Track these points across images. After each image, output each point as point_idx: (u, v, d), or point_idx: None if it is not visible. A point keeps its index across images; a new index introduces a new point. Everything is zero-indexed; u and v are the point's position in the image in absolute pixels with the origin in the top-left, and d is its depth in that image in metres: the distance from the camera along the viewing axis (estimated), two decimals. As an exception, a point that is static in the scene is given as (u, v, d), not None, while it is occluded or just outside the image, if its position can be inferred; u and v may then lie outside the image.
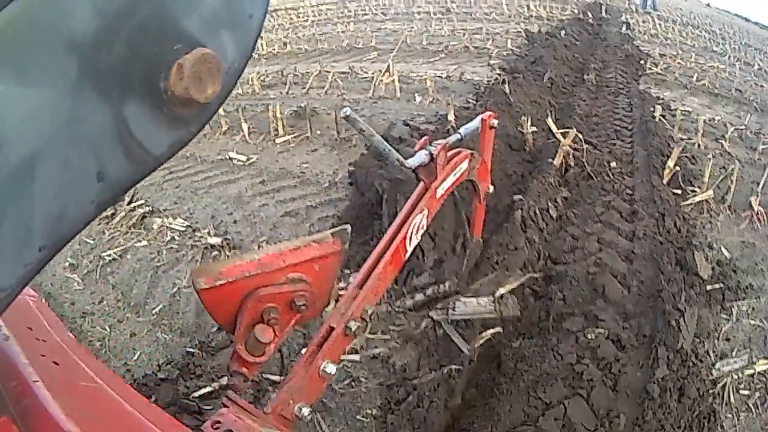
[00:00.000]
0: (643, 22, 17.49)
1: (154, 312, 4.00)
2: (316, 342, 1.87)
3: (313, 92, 8.67)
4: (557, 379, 2.72)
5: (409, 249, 2.31)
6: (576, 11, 16.40)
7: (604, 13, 16.82)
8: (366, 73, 9.74)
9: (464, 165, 2.80)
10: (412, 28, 14.59)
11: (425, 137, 2.59)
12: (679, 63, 11.72)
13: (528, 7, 17.35)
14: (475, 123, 3.05)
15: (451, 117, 5.74)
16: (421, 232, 2.40)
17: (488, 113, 3.09)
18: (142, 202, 5.53)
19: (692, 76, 10.46)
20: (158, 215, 5.27)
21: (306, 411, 1.70)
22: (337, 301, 2.02)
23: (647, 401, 2.66)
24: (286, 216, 4.96)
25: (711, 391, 2.99)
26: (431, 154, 2.46)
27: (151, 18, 0.66)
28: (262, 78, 10.14)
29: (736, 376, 3.14)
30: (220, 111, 7.68)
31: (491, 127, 3.07)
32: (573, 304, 3.28)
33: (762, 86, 11.54)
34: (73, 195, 0.66)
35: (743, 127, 7.78)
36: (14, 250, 0.63)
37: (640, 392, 2.73)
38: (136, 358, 3.62)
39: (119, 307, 4.22)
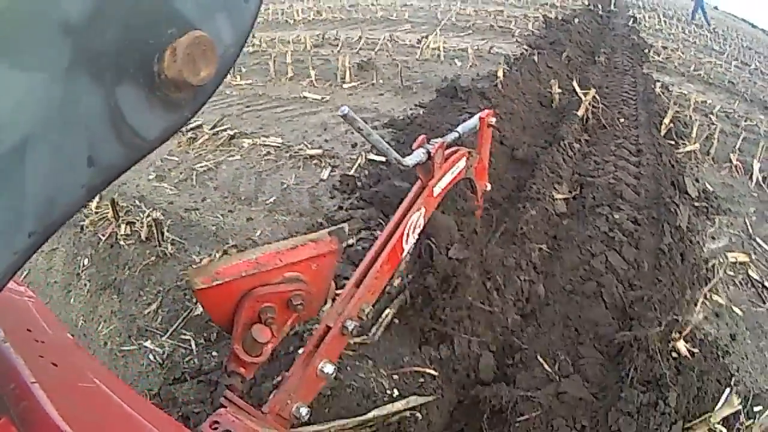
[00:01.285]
0: (649, 17, 18.51)
1: (267, 202, 4.74)
2: (313, 342, 1.86)
3: (363, 53, 9.59)
4: (598, 240, 3.88)
5: (406, 248, 2.29)
6: (587, 2, 17.33)
7: (612, 6, 18.02)
8: (405, 41, 10.85)
9: (462, 163, 2.77)
10: (438, 5, 15.66)
11: (422, 136, 2.53)
12: (679, 55, 12.77)
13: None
14: (474, 121, 2.99)
15: (500, 74, 6.76)
16: (418, 230, 2.37)
17: (486, 111, 3.04)
18: (227, 126, 6.34)
19: (690, 67, 11.54)
20: (246, 137, 6.07)
21: (304, 411, 1.70)
22: (333, 300, 2.01)
23: (660, 255, 3.83)
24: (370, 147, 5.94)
25: (705, 266, 4.14)
26: (429, 153, 2.41)
27: (145, 1, 0.65)
28: (312, 39, 11.15)
29: (722, 260, 4.22)
30: (287, 59, 8.85)
31: (489, 126, 3.00)
32: (600, 201, 4.54)
33: (755, 83, 12.60)
34: (64, 179, 0.64)
35: (731, 110, 9.07)
36: (4, 236, 0.61)
37: (654, 250, 3.88)
38: (258, 235, 4.33)
39: (227, 201, 4.92)
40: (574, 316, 3.17)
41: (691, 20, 21.55)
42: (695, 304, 3.24)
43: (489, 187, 3.23)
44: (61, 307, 4.13)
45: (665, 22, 18.29)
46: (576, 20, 13.06)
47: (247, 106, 7.22)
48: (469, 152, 2.84)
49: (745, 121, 8.14)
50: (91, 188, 0.67)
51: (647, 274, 3.65)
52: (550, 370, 2.80)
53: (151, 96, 0.68)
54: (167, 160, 5.73)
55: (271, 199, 4.78)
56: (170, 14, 0.67)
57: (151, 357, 3.46)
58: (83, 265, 4.45)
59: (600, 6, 16.92)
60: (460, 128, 2.88)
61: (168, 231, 4.34)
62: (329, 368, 1.78)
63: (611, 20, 15.88)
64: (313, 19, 14.44)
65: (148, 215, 4.48)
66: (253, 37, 11.34)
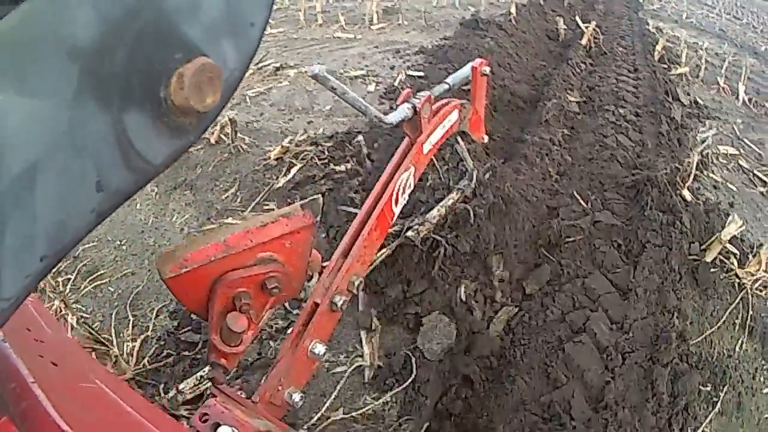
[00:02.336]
0: None
1: (323, 110, 5.32)
2: (301, 321, 1.77)
3: (384, 3, 10.24)
4: (608, 127, 4.66)
5: (396, 211, 2.17)
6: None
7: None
8: None
9: (454, 116, 2.59)
10: None
11: (407, 90, 2.36)
12: (672, 6, 13.44)
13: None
14: (465, 71, 2.82)
15: (513, 11, 7.43)
16: (408, 191, 2.25)
17: (479, 60, 2.85)
18: (272, 60, 6.91)
19: (682, 15, 12.11)
20: (290, 68, 6.61)
21: (297, 397, 1.63)
22: (320, 274, 1.89)
23: (660, 137, 4.59)
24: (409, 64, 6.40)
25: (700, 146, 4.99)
26: (414, 107, 2.24)
27: (152, 25, 0.64)
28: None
29: (714, 152, 4.90)
30: (316, 6, 9.38)
31: (483, 75, 2.82)
32: (606, 102, 5.34)
33: (745, 32, 13.08)
34: (74, 204, 0.64)
35: (720, 51, 9.80)
36: (16, 260, 0.62)
37: (655, 133, 4.63)
38: (319, 132, 4.89)
39: (284, 113, 5.46)
40: (596, 173, 3.92)
41: None
42: (694, 156, 3.88)
43: (486, 139, 3.04)
44: (126, 213, 4.47)
45: None
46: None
47: (285, 47, 7.74)
48: (462, 104, 2.67)
49: (732, 56, 8.92)
50: (100, 213, 0.67)
51: (651, 149, 4.44)
52: (585, 205, 3.55)
53: (157, 121, 0.67)
54: None
55: (327, 108, 5.41)
56: (177, 39, 0.67)
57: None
58: None
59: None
60: (450, 79, 2.72)
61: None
62: (320, 348, 1.71)
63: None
64: None
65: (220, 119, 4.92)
66: None
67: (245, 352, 1.55)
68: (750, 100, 6.79)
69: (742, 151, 5.26)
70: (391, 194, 2.11)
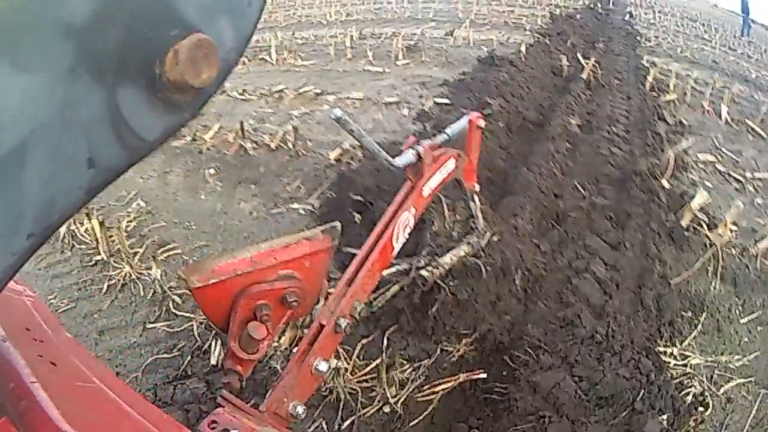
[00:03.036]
0: (645, 14, 20.26)
1: (365, 128, 6.40)
2: (307, 340, 1.88)
3: (404, 42, 11.47)
4: (603, 139, 5.71)
5: (396, 246, 2.31)
6: (588, 1, 19.26)
7: (611, 5, 20.02)
8: (435, 35, 12.70)
9: (451, 164, 2.78)
10: (457, 7, 17.62)
11: (412, 137, 2.57)
12: (668, 42, 14.60)
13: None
14: (462, 123, 2.99)
15: (523, 49, 8.71)
16: (408, 230, 2.40)
17: (475, 114, 3.02)
18: (312, 87, 7.94)
19: (677, 49, 13.28)
20: (330, 95, 7.63)
21: (300, 409, 1.73)
22: (326, 298, 2.02)
23: (646, 147, 5.69)
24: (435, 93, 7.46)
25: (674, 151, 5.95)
26: (418, 154, 2.44)
27: (147, 2, 0.64)
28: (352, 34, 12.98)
29: (693, 159, 5.88)
30: (346, 42, 10.64)
31: (478, 128, 3.00)
32: (602, 123, 6.43)
33: (737, 62, 14.08)
34: (64, 181, 0.64)
35: (710, 80, 10.84)
36: (2, 237, 0.61)
37: (642, 145, 5.72)
38: None
39: (329, 129, 6.31)
40: (592, 172, 4.95)
41: (741, 36, 21.65)
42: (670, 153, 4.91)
43: (477, 188, 3.18)
44: (192, 204, 5.14)
45: (659, 17, 20.16)
46: (578, 16, 15.02)
47: (321, 77, 8.83)
48: (458, 154, 2.86)
49: (721, 84, 10.00)
50: (90, 189, 0.66)
51: (637, 156, 5.52)
52: (583, 192, 4.54)
53: (152, 98, 0.67)
54: (260, 110, 7.15)
55: (369, 126, 6.43)
56: (172, 16, 0.66)
57: (301, 211, 4.81)
58: (210, 174, 5.68)
59: (600, 4, 18.94)
60: (449, 130, 2.91)
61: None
62: (323, 366, 1.81)
63: (610, 16, 17.85)
64: (345, 19, 16.12)
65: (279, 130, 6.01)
66: (292, 35, 13.26)
67: (260, 360, 1.60)
68: (733, 119, 7.75)
69: (720, 158, 6.21)
70: (393, 231, 2.27)
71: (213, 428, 1.47)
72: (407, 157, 2.43)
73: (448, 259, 3.15)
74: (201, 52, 0.67)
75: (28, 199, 0.63)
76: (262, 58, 10.77)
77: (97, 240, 4.52)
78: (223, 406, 1.57)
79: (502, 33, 12.86)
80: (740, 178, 5.87)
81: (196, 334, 3.50)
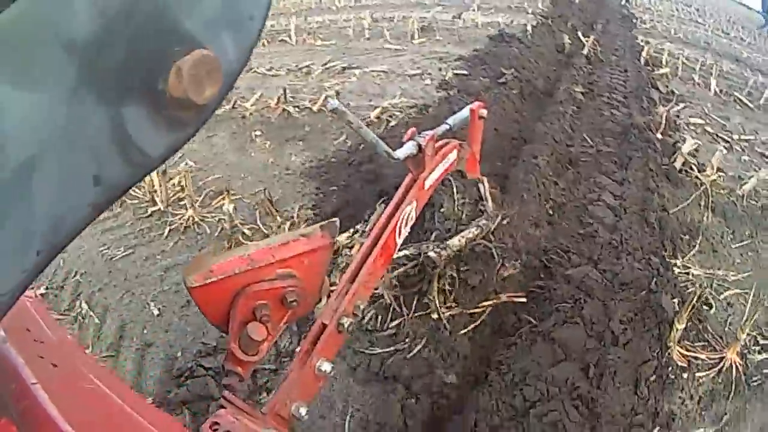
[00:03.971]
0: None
1: (395, 95, 6.81)
2: (310, 340, 1.88)
3: (416, 24, 12.19)
4: (603, 103, 6.61)
5: (399, 241, 2.29)
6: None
7: (607, -10, 20.75)
8: (443, 18, 13.30)
9: (453, 155, 2.75)
10: None
11: (412, 129, 2.52)
12: (663, 25, 15.29)
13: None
14: (464, 113, 2.96)
15: (529, 28, 9.47)
16: (410, 223, 2.37)
17: (477, 103, 2.99)
18: (338, 62, 8.57)
19: (671, 31, 14.01)
20: (356, 68, 8.21)
21: (303, 411, 1.72)
22: (328, 297, 2.02)
23: (642, 110, 6.53)
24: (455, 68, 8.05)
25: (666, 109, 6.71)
26: (419, 145, 2.41)
27: (151, 18, 0.65)
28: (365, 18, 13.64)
29: (684, 123, 6.65)
30: (364, 24, 11.23)
31: (480, 118, 2.98)
32: (602, 91, 7.23)
33: (730, 44, 14.70)
34: (71, 198, 0.65)
35: (702, 59, 11.60)
36: (12, 255, 0.62)
37: (639, 108, 6.56)
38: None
39: (361, 97, 7.01)
40: (597, 128, 5.78)
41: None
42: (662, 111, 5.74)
43: (484, 178, 3.21)
44: (242, 160, 5.58)
45: (655, 1, 20.67)
46: (577, 0, 15.79)
47: (343, 54, 9.37)
48: (460, 144, 2.84)
49: (711, 62, 10.82)
50: (96, 206, 0.67)
51: (633, 113, 6.33)
52: (590, 142, 5.35)
53: (156, 115, 0.67)
54: (292, 83, 7.65)
55: (398, 93, 7.02)
56: (176, 32, 0.67)
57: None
58: (256, 135, 6.17)
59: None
60: (450, 120, 2.89)
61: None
62: (327, 366, 1.80)
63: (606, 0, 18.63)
64: (354, 5, 16.52)
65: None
66: (305, 20, 13.87)
67: (260, 361, 1.62)
68: (721, 91, 8.51)
69: (708, 122, 7.00)
70: (395, 226, 2.25)
71: (215, 430, 1.47)
72: (408, 148, 2.40)
73: (456, 241, 3.15)
74: (204, 69, 0.68)
75: (36, 216, 0.63)
76: (282, 40, 11.30)
77: (154, 191, 4.86)
78: (225, 407, 1.57)
79: (507, 16, 13.54)
80: (728, 139, 6.63)
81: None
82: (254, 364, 1.63)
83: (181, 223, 4.57)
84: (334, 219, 1.75)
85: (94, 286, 4.19)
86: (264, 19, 0.78)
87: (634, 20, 14.94)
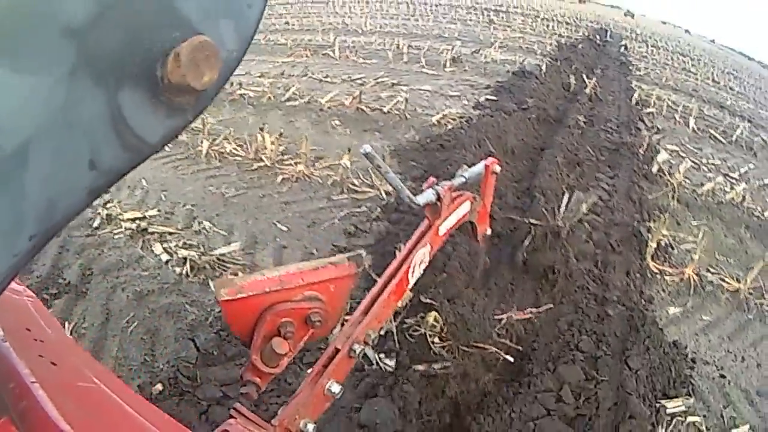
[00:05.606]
0: (639, 47, 23.19)
1: (444, 107, 8.67)
2: (322, 362, 1.98)
3: (443, 55, 13.83)
4: (599, 131, 8.77)
5: (411, 281, 2.46)
6: (586, 33, 22.36)
7: (608, 37, 23.38)
8: (465, 52, 15.21)
9: (466, 207, 2.95)
10: (475, 30, 19.41)
11: (431, 178, 2.75)
12: (656, 73, 17.12)
13: (549, 27, 23.56)
14: (479, 168, 3.14)
15: (543, 67, 11.77)
16: (423, 266, 2.56)
17: (491, 159, 3.17)
18: (387, 78, 10.40)
19: (662, 78, 15.84)
20: (402, 85, 10.01)
21: (311, 427, 1.81)
22: (342, 324, 2.19)
23: (629, 137, 8.75)
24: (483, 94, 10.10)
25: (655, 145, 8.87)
26: (438, 194, 2.61)
27: (149, 4, 0.66)
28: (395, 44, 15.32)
29: (664, 147, 8.76)
30: (402, 48, 13.21)
31: (493, 173, 3.15)
32: (599, 123, 9.40)
33: (717, 92, 16.73)
34: (66, 183, 0.66)
35: (687, 105, 12.86)
36: (5, 239, 0.62)
37: (628, 134, 8.84)
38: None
39: (415, 107, 9.00)
40: (596, 145, 7.88)
41: None
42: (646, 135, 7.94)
43: (489, 232, 3.38)
44: (327, 140, 6.70)
45: (652, 50, 23.01)
46: (580, 46, 18.24)
47: (386, 74, 10.95)
48: (474, 197, 3.01)
49: (692, 106, 13.00)
50: (92, 191, 0.68)
51: (623, 137, 8.45)
52: (592, 152, 7.54)
53: (153, 100, 0.68)
54: (350, 91, 9.19)
55: (448, 104, 8.97)
56: (174, 18, 0.67)
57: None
58: (336, 124, 7.65)
59: (598, 37, 22.34)
60: (466, 173, 3.07)
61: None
62: (336, 388, 1.91)
63: (606, 47, 21.13)
64: (379, 30, 17.87)
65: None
66: (334, 39, 14.59)
67: (279, 374, 1.75)
68: (699, 129, 10.63)
69: (683, 150, 9.13)
70: (409, 266, 2.42)
71: None
72: (428, 196, 2.62)
73: None
74: (202, 54, 0.68)
75: (30, 201, 0.63)
76: (326, 54, 12.84)
77: (265, 147, 5.77)
78: (236, 418, 1.66)
79: (519, 55, 15.79)
80: (697, 162, 8.74)
81: (382, 194, 5.36)
82: (273, 376, 1.75)
83: (293, 175, 5.44)
84: (360, 251, 1.91)
85: (211, 212, 4.81)
86: (263, 8, 0.79)
87: (630, 67, 17.35)
